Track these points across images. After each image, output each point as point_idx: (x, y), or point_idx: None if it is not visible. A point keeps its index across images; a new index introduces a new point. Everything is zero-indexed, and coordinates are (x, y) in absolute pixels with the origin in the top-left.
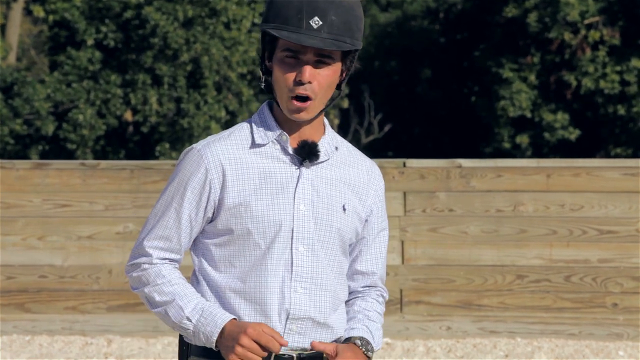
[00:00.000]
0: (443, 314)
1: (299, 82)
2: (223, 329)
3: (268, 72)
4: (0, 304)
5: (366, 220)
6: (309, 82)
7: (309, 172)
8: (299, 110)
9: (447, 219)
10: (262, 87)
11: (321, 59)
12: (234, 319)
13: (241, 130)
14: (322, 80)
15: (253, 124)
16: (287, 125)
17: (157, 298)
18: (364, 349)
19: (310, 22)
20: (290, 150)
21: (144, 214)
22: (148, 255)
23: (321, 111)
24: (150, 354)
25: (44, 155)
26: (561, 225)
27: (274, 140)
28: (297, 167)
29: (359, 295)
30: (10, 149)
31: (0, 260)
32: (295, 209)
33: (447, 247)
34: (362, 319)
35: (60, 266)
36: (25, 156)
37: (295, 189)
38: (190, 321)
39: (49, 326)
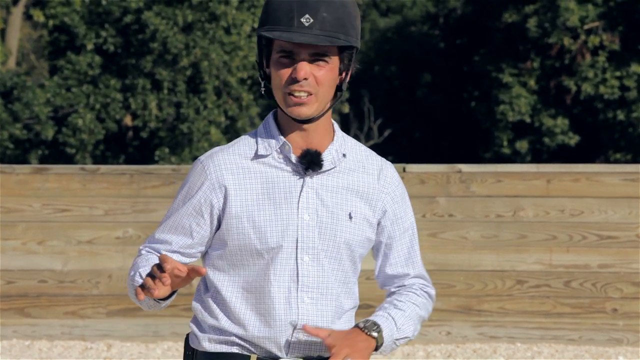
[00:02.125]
0: (443, 319)
1: (294, 80)
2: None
3: (267, 78)
4: (0, 309)
5: (379, 224)
6: (305, 79)
7: (313, 181)
8: (298, 104)
9: (447, 224)
10: (263, 92)
11: (317, 57)
12: None
13: (245, 141)
14: (319, 78)
15: (257, 135)
16: (293, 132)
17: (131, 273)
18: (366, 331)
19: (302, 19)
20: (294, 160)
21: (144, 218)
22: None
23: (324, 112)
24: (150, 359)
25: (43, 160)
26: (561, 230)
27: (277, 150)
28: (300, 176)
29: (396, 291)
30: (10, 153)
31: (0, 264)
32: (299, 218)
33: (447, 252)
34: (387, 307)
35: (60, 271)
36: (24, 161)
37: (299, 198)
38: (142, 277)
39: (49, 331)
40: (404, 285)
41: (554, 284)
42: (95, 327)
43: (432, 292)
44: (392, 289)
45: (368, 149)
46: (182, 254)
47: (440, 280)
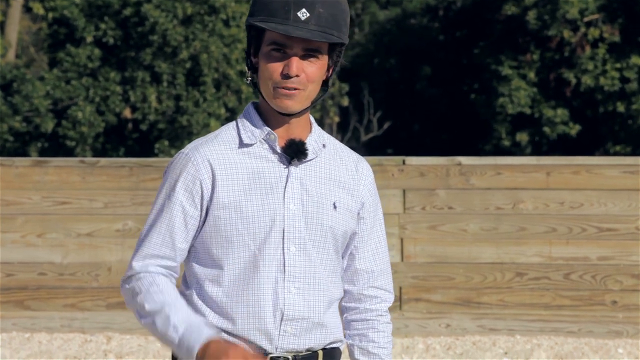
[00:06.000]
0: (442, 312)
1: (286, 76)
2: (208, 343)
3: (254, 69)
4: (0, 301)
5: (358, 214)
6: (297, 76)
7: (297, 171)
8: (287, 97)
9: (447, 216)
10: (248, 82)
11: (309, 53)
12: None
13: (228, 131)
14: (310, 75)
15: (240, 125)
16: (274, 124)
17: (147, 307)
18: None
19: (298, 13)
20: (279, 150)
21: (143, 211)
22: (144, 265)
23: (307, 108)
24: (150, 352)
25: (43, 153)
26: (561, 222)
27: (262, 140)
28: (285, 166)
29: (369, 319)
30: (9, 146)
31: None
32: (286, 208)
33: (446, 244)
34: None
35: (59, 263)
36: (24, 153)
37: (285, 188)
38: (177, 332)
39: (49, 323)
40: (366, 315)
41: (554, 277)
42: (94, 320)
43: (391, 300)
44: (365, 300)
45: (341, 143)
46: (178, 255)
47: (439, 273)
